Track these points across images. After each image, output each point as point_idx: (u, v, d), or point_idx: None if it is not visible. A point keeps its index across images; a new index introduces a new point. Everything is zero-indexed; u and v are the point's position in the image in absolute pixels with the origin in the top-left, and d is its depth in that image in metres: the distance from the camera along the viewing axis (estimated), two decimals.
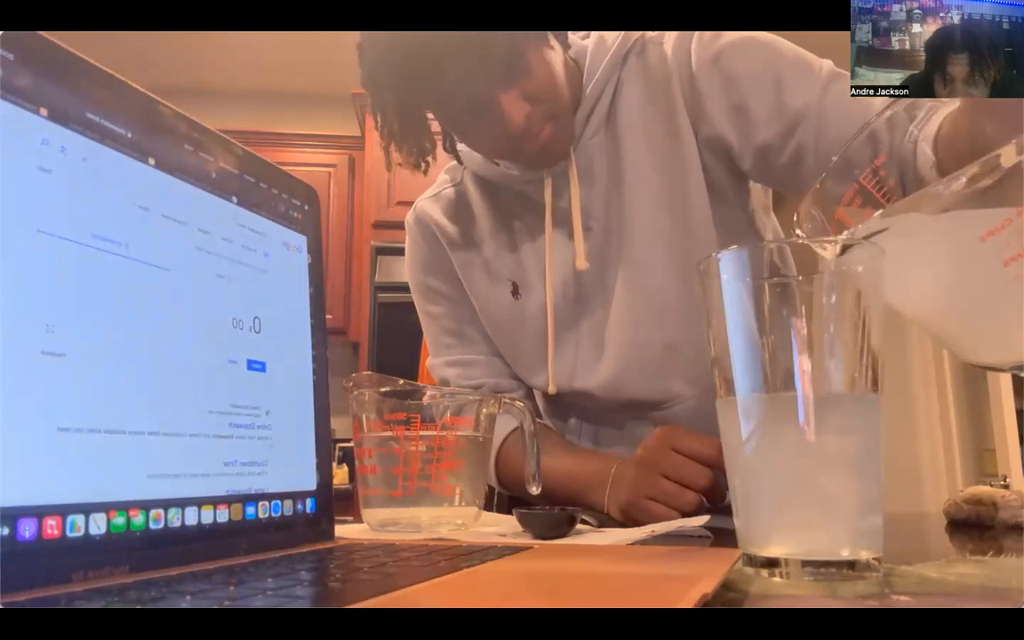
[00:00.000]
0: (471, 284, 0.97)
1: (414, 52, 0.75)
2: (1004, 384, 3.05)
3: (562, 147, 0.86)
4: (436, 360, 1.01)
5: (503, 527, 0.66)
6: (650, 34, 0.90)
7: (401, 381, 0.67)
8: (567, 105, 0.84)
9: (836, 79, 0.78)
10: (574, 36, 0.91)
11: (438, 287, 1.00)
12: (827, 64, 0.82)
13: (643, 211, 0.87)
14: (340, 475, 2.95)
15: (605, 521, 0.68)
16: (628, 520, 0.71)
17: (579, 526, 0.63)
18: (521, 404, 0.69)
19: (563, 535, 0.59)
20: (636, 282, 0.88)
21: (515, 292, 0.94)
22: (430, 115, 0.84)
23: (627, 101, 0.88)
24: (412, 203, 1.07)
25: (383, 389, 0.65)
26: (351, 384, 0.64)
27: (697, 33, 0.86)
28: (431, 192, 1.04)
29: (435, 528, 0.61)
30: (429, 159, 0.87)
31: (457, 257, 0.98)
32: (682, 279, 0.86)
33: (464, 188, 0.99)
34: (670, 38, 0.88)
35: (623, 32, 0.88)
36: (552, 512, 0.62)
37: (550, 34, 0.82)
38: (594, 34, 0.89)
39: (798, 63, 0.81)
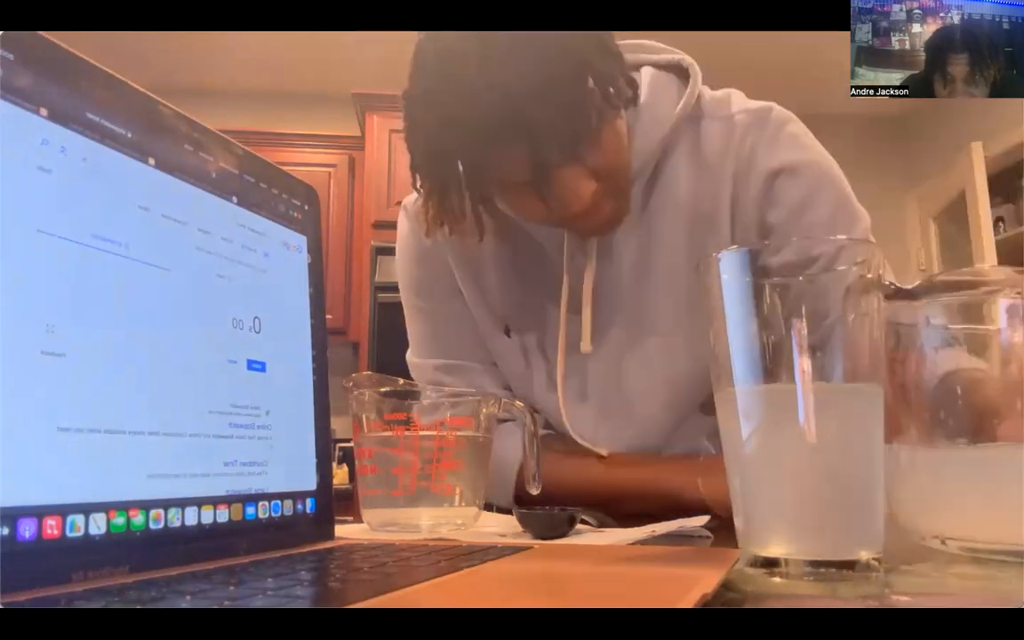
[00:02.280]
0: (469, 297, 0.91)
1: (476, 115, 0.66)
2: None
3: (618, 222, 0.80)
4: (424, 360, 0.93)
5: (503, 527, 0.66)
6: (708, 105, 0.85)
7: (401, 381, 0.67)
8: (629, 179, 0.79)
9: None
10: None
11: (432, 282, 0.91)
12: (864, 223, 0.81)
13: (667, 305, 0.83)
14: (340, 475, 2.96)
15: (605, 521, 0.68)
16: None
17: (579, 526, 0.63)
18: (521, 404, 0.69)
19: (563, 535, 0.59)
20: (650, 368, 0.85)
21: (507, 332, 0.89)
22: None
23: (672, 176, 0.83)
24: None
25: (383, 389, 0.65)
26: (351, 384, 0.64)
27: (766, 129, 0.82)
28: None
29: (435, 528, 0.61)
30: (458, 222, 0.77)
31: (456, 264, 0.91)
32: (700, 367, 0.81)
33: None
34: (730, 116, 0.84)
35: (681, 99, 0.83)
36: (552, 512, 0.62)
37: (622, 97, 0.73)
38: (645, 90, 0.82)
39: (839, 212, 0.80)
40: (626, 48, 0.80)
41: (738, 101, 0.86)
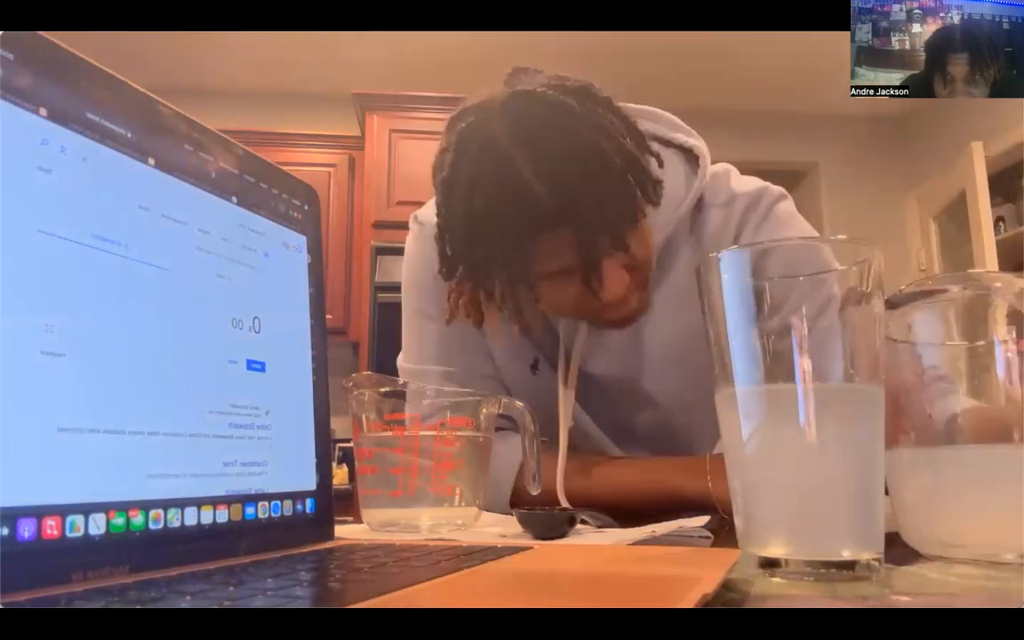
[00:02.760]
0: (490, 328, 0.88)
1: (526, 203, 0.67)
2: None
3: (640, 315, 0.81)
4: (424, 367, 0.90)
5: (503, 527, 0.66)
6: (710, 190, 0.87)
7: (401, 381, 0.67)
8: (651, 270, 0.80)
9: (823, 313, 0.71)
10: None
11: (443, 294, 0.87)
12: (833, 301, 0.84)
13: (661, 365, 0.86)
14: (340, 475, 2.96)
15: (605, 521, 0.68)
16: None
17: (579, 526, 0.63)
18: (521, 404, 0.69)
19: (563, 535, 0.59)
20: (647, 420, 0.89)
21: (535, 367, 0.89)
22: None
23: (676, 259, 0.85)
24: (412, 203, 1.01)
25: (383, 389, 0.65)
26: (351, 384, 0.64)
27: (758, 209, 0.85)
28: None
29: (435, 528, 0.61)
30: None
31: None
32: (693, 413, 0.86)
33: None
34: (730, 201, 0.86)
35: (690, 191, 0.84)
36: (552, 512, 0.62)
37: (655, 194, 0.75)
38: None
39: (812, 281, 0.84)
40: (638, 114, 0.84)
41: (736, 183, 0.88)
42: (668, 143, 0.87)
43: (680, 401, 0.88)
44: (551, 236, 0.69)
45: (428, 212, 0.89)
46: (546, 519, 0.60)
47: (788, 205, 0.88)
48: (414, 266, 0.93)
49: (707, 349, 0.43)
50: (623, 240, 0.70)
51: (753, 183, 0.88)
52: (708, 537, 0.60)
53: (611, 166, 0.69)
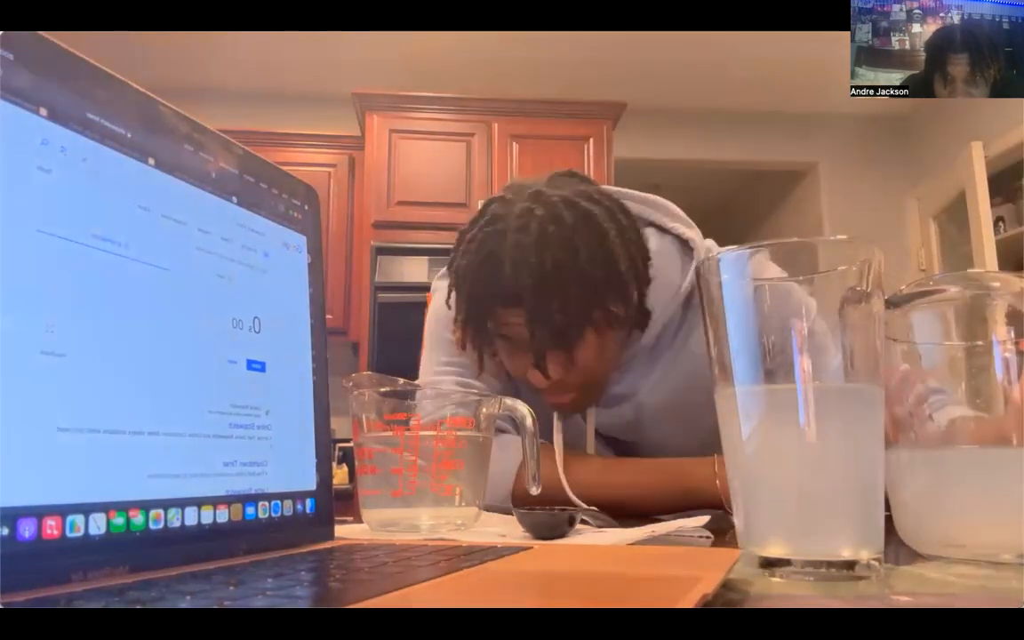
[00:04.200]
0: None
1: (496, 278, 0.81)
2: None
3: (581, 409, 0.92)
4: (440, 378, 0.98)
5: (503, 527, 0.66)
6: (704, 267, 0.92)
7: (401, 381, 0.66)
8: (603, 382, 0.91)
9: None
10: None
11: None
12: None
13: (659, 425, 0.95)
14: (340, 475, 2.95)
15: (605, 521, 0.68)
16: None
17: (579, 526, 0.63)
18: (522, 405, 0.69)
19: (563, 535, 0.59)
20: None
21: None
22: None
23: (677, 343, 0.93)
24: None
25: (383, 389, 0.65)
26: (351, 384, 0.64)
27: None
28: None
29: (435, 528, 0.61)
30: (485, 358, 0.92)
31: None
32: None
33: None
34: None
35: (686, 277, 0.92)
36: (552, 512, 0.62)
37: (629, 320, 0.88)
38: (652, 258, 0.92)
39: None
40: (636, 200, 0.95)
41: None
42: (666, 231, 0.96)
43: (677, 445, 0.92)
44: (507, 311, 0.83)
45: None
46: (546, 519, 0.60)
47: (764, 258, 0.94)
48: (440, 313, 1.03)
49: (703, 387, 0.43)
50: (560, 343, 0.82)
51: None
52: (708, 537, 0.60)
53: (569, 289, 0.80)
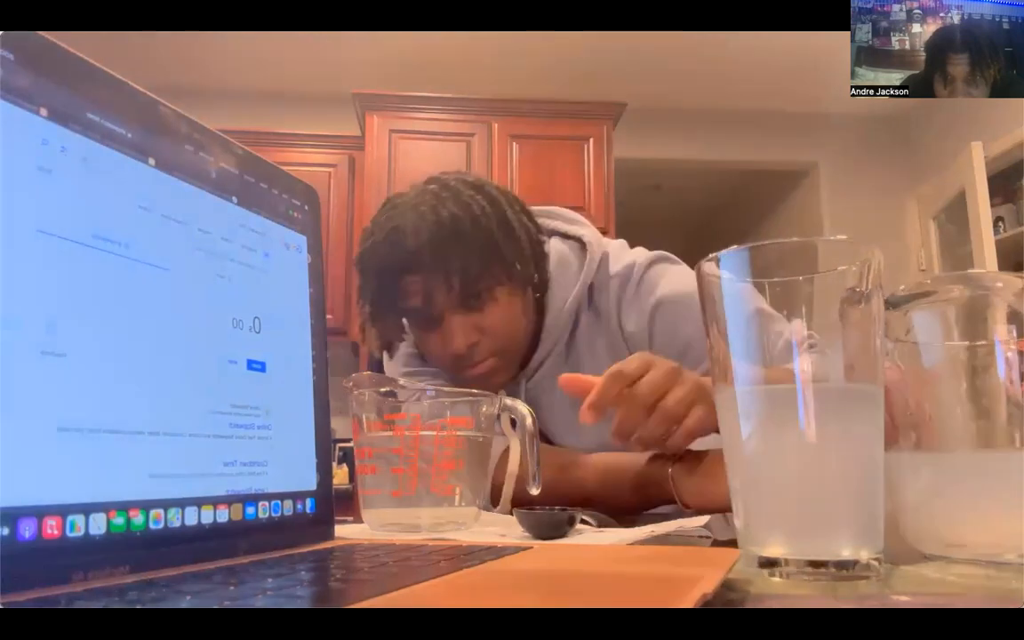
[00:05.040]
0: None
1: (398, 246, 0.86)
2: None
3: (502, 382, 0.94)
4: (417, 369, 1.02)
5: (503, 527, 0.66)
6: (600, 271, 1.00)
7: (401, 381, 0.67)
8: (518, 346, 0.94)
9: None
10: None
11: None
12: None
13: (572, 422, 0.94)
14: (340, 475, 2.95)
15: (605, 521, 0.68)
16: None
17: (579, 526, 0.63)
18: (523, 406, 0.70)
19: (563, 535, 0.59)
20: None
21: None
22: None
23: (583, 336, 0.98)
24: None
25: (383, 389, 0.65)
26: (351, 384, 0.64)
27: (628, 287, 0.97)
28: None
29: (435, 528, 0.61)
30: (394, 347, 0.98)
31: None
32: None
33: None
34: (605, 288, 0.98)
35: (582, 273, 0.98)
36: (552, 512, 0.62)
37: (528, 281, 0.92)
38: (552, 261, 0.98)
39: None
40: (539, 213, 1.02)
41: (612, 265, 1.00)
42: (567, 236, 1.03)
43: (601, 444, 0.91)
44: (411, 278, 0.86)
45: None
46: (546, 519, 0.60)
47: (660, 266, 0.98)
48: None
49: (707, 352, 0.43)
50: (461, 302, 0.86)
51: (623, 261, 1.00)
52: (708, 536, 0.60)
53: (467, 239, 0.85)
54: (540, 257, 0.95)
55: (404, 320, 0.94)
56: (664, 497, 0.78)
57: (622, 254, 1.01)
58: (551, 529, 0.59)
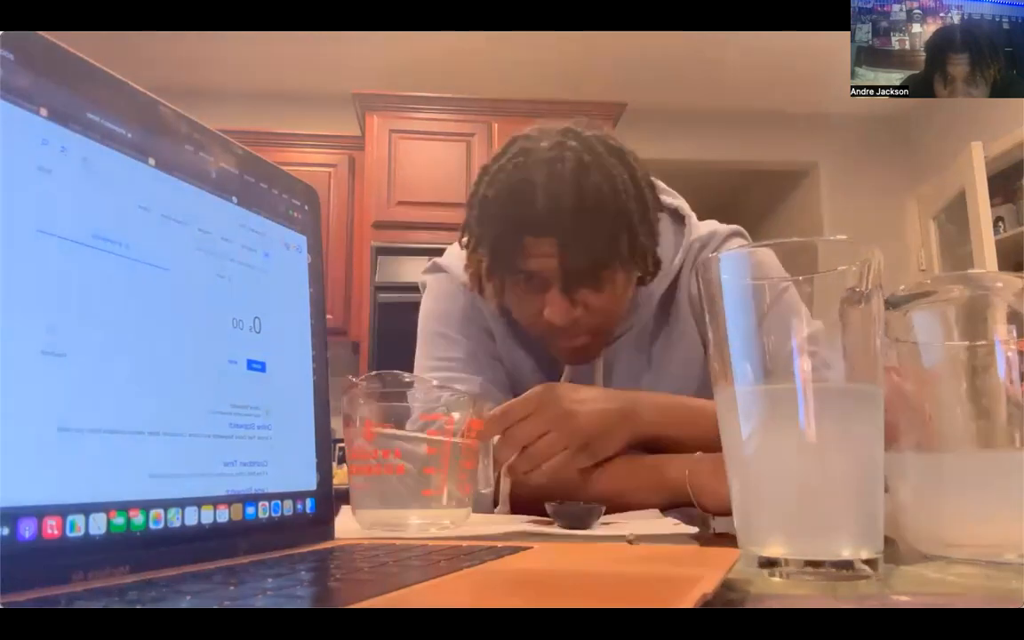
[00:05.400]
0: (511, 368, 0.97)
1: (528, 204, 0.79)
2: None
3: (590, 358, 0.91)
4: (452, 374, 0.95)
5: (503, 525, 0.66)
6: (704, 267, 0.97)
7: (407, 377, 0.67)
8: (615, 325, 0.91)
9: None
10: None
11: (465, 337, 0.96)
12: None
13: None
14: (340, 475, 2.95)
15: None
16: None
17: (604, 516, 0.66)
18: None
19: (589, 526, 0.61)
20: None
21: None
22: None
23: (677, 311, 0.95)
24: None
25: (374, 389, 0.65)
26: (346, 384, 0.65)
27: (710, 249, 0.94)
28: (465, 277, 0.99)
29: (424, 528, 0.61)
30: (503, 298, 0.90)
31: (503, 344, 0.97)
32: None
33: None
34: (692, 252, 0.95)
35: (679, 244, 0.95)
36: (582, 505, 0.65)
37: (645, 264, 0.87)
38: (664, 235, 0.93)
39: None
40: None
41: (694, 230, 0.98)
42: (660, 207, 0.97)
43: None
44: (536, 242, 0.80)
45: (449, 260, 1.02)
46: (577, 511, 0.63)
47: (738, 240, 0.96)
48: (440, 300, 1.01)
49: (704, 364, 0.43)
50: (584, 277, 0.81)
51: (706, 228, 0.97)
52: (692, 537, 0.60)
53: (606, 217, 0.80)
54: (656, 238, 0.89)
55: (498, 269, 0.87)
56: (682, 499, 0.78)
57: (701, 223, 0.99)
58: (580, 520, 0.62)
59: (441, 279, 1.02)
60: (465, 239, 0.89)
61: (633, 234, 0.82)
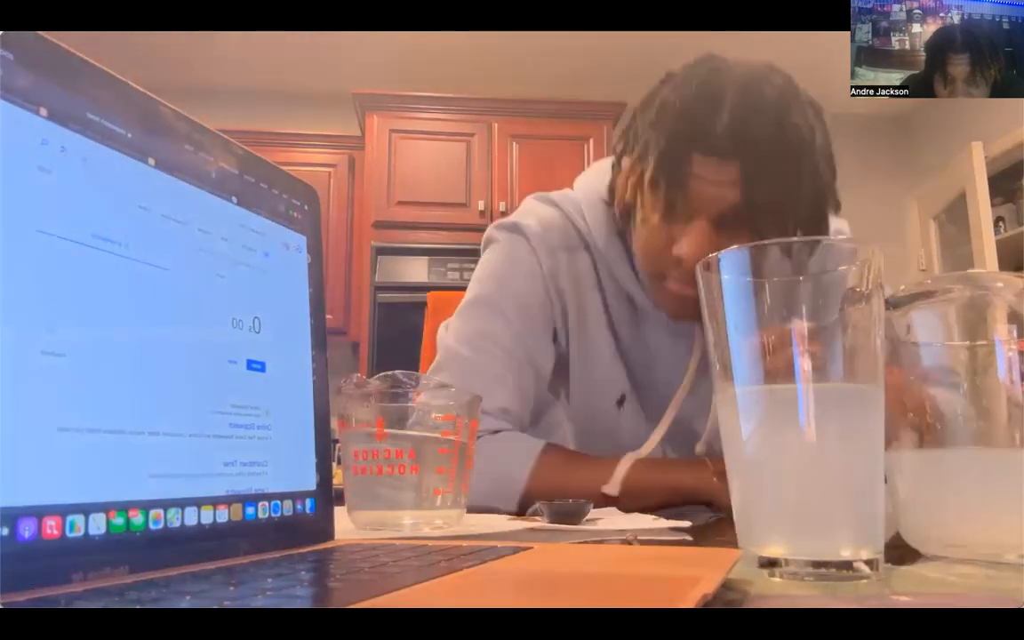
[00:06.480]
0: (583, 353, 0.89)
1: (710, 118, 0.71)
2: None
3: (694, 316, 0.85)
4: (488, 345, 0.87)
5: (500, 526, 0.67)
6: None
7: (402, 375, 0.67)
8: None
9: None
10: None
11: (517, 316, 0.86)
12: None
13: None
14: (340, 475, 2.95)
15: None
16: None
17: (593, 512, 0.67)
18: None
19: (579, 521, 0.63)
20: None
21: (621, 403, 0.90)
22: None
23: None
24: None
25: (370, 389, 0.65)
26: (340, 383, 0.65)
27: None
28: (559, 233, 0.90)
29: (417, 528, 0.61)
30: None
31: (573, 316, 0.89)
32: None
33: (596, 256, 0.90)
34: None
35: None
36: (569, 502, 0.66)
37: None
38: None
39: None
40: None
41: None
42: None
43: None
44: (708, 163, 0.71)
45: (529, 221, 0.91)
46: (569, 507, 0.65)
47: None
48: (507, 263, 0.90)
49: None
50: (744, 220, 0.71)
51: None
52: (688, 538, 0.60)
53: (796, 164, 0.71)
54: (827, 220, 0.79)
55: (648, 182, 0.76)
56: (698, 500, 0.78)
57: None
58: (572, 517, 0.63)
59: (516, 242, 0.90)
60: (623, 146, 0.79)
61: (812, 193, 0.72)
